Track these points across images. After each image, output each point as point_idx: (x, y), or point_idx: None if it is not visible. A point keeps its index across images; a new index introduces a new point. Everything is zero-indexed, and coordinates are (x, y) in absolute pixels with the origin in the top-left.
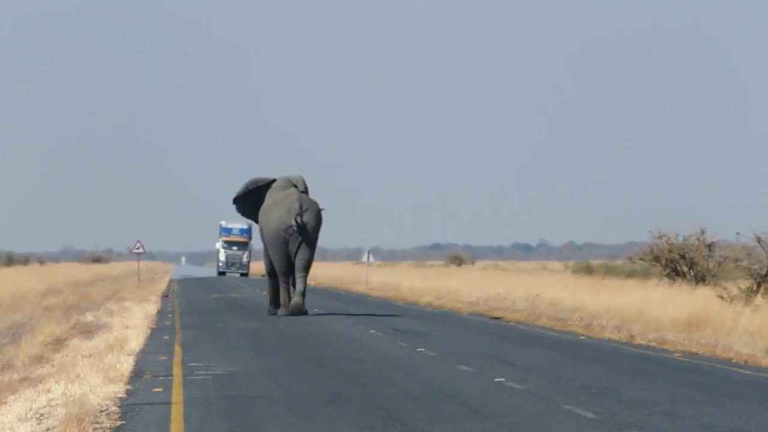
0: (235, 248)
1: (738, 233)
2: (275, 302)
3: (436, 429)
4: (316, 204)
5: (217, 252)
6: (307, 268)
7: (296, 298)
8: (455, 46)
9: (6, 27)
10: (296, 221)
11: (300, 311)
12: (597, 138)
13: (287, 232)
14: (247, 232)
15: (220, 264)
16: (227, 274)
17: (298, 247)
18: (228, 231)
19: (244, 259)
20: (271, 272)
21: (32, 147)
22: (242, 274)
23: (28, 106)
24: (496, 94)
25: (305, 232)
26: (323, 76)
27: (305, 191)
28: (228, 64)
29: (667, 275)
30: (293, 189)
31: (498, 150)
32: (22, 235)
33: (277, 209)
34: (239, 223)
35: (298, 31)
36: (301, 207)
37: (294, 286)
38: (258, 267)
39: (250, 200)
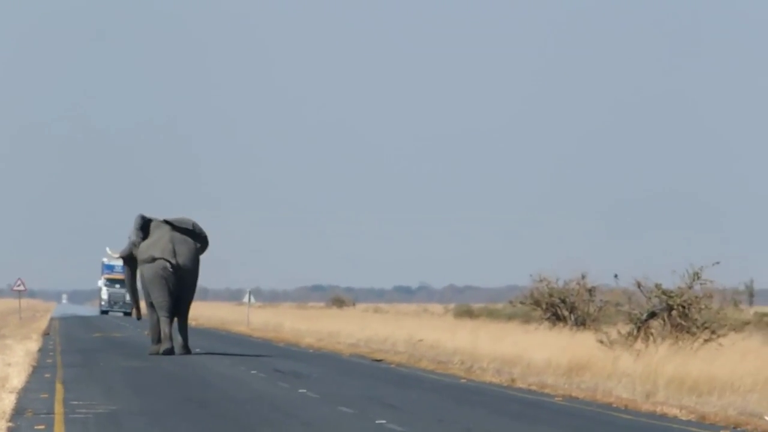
0: (117, 286)
1: (616, 275)
2: (157, 339)
3: None
4: (192, 242)
5: (100, 290)
6: (186, 311)
7: (181, 350)
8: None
9: None
10: (171, 262)
11: (171, 353)
12: (476, 180)
13: (165, 270)
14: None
15: (103, 303)
16: (110, 313)
17: (176, 289)
18: (110, 268)
19: (128, 298)
20: (150, 312)
21: None
22: (126, 313)
23: None
24: (373, 130)
25: (181, 275)
26: (201, 106)
27: (196, 234)
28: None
29: (548, 319)
30: (167, 227)
31: (378, 193)
32: None
33: (154, 249)
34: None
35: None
36: (174, 247)
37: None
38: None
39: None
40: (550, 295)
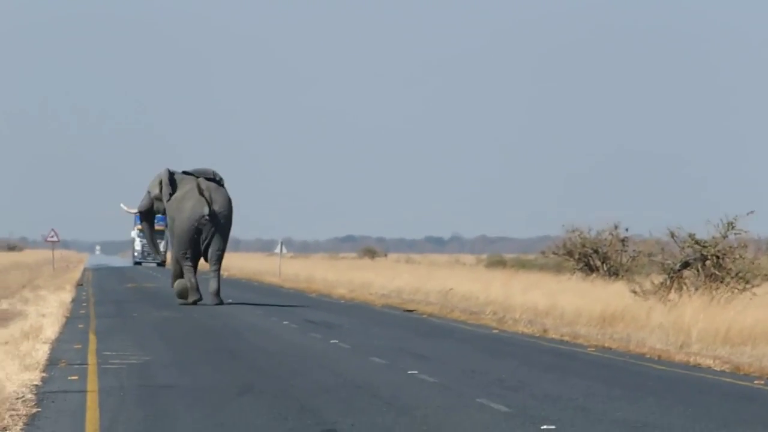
0: None
1: (651, 232)
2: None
3: (349, 421)
4: (226, 193)
5: (133, 241)
6: (220, 260)
7: (216, 301)
8: (343, 40)
9: None
10: (208, 211)
11: (219, 303)
12: (510, 132)
13: (200, 222)
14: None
15: (136, 254)
16: (143, 263)
17: (211, 238)
18: None
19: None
20: (179, 261)
21: None
22: (159, 264)
23: None
24: (407, 83)
25: (218, 222)
26: (235, 68)
27: (218, 183)
28: (140, 49)
29: (581, 270)
30: (202, 179)
31: (412, 143)
32: None
33: (188, 200)
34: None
35: (207, 23)
36: (210, 195)
37: (207, 282)
38: None
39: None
40: (583, 246)
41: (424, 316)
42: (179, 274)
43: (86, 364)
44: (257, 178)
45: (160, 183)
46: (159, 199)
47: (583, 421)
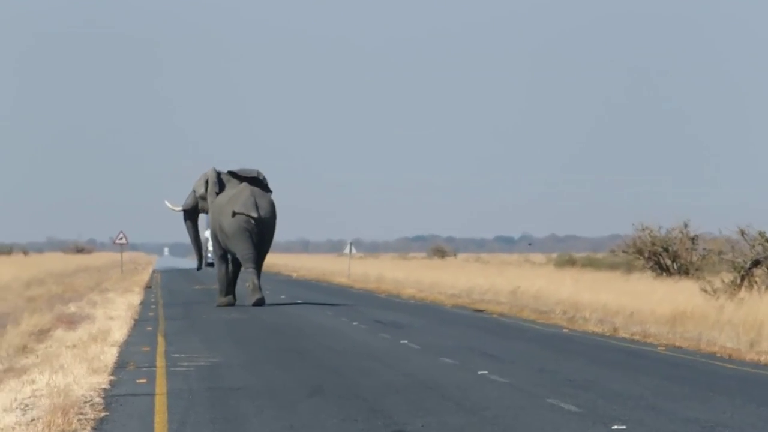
0: None
1: (720, 230)
2: (225, 291)
3: (419, 422)
4: (271, 198)
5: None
6: (261, 261)
7: (258, 296)
8: (434, 34)
9: None
10: (254, 216)
11: (262, 304)
12: (580, 131)
13: (248, 224)
14: None
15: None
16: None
17: (258, 240)
18: None
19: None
20: (223, 257)
21: (17, 138)
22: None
23: (14, 98)
24: (479, 85)
25: (262, 226)
26: (304, 69)
27: (263, 184)
28: (206, 57)
29: (651, 268)
30: (245, 184)
31: (482, 142)
32: (6, 226)
33: (233, 204)
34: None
35: (274, 23)
36: (255, 201)
37: (247, 279)
38: (272, 260)
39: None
40: (653, 244)
41: (494, 315)
42: (224, 276)
43: (154, 366)
44: (327, 180)
45: (206, 182)
46: (204, 198)
47: (653, 421)
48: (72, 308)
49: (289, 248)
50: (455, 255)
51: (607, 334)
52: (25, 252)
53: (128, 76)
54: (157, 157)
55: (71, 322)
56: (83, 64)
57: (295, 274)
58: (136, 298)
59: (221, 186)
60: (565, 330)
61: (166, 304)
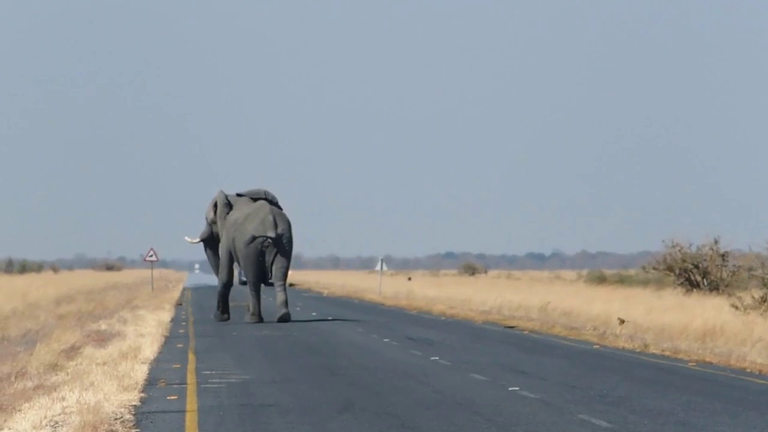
0: None
1: (750, 246)
2: (224, 308)
3: None
4: (286, 216)
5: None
6: (285, 276)
7: (283, 311)
8: (458, 51)
9: (14, 37)
10: (272, 236)
11: (287, 319)
12: (611, 147)
13: (263, 244)
14: None
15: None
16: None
17: (274, 258)
18: None
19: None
20: (228, 282)
21: (46, 155)
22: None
23: (41, 115)
24: (508, 102)
25: (281, 243)
26: (334, 88)
27: (275, 204)
28: (232, 77)
29: (681, 284)
30: (263, 202)
31: (512, 159)
32: (36, 243)
33: (250, 222)
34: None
35: (294, 40)
36: (274, 219)
37: (275, 296)
38: (301, 277)
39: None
40: (683, 261)
41: (525, 332)
42: (225, 295)
43: (185, 383)
44: (357, 196)
45: (215, 206)
46: (214, 222)
47: None
48: (102, 325)
49: (319, 265)
50: (486, 272)
51: (638, 350)
52: (55, 269)
53: (156, 93)
54: (187, 173)
55: (101, 339)
56: (112, 82)
57: (326, 291)
58: (166, 315)
59: (229, 207)
60: (595, 346)
61: (197, 321)
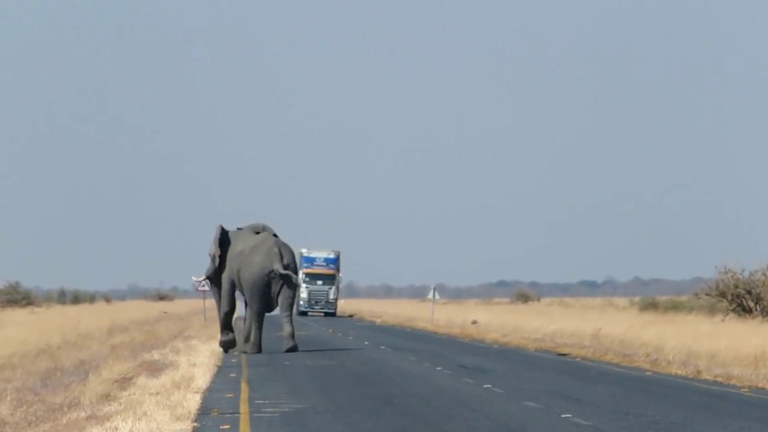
0: (320, 282)
1: None
2: (227, 331)
3: None
4: (290, 247)
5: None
6: (291, 307)
7: (291, 343)
8: (505, 83)
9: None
10: (278, 268)
11: (294, 350)
12: (663, 173)
13: (270, 275)
14: (335, 262)
15: (302, 302)
16: (309, 314)
17: (280, 288)
18: (310, 261)
19: (331, 296)
20: (229, 311)
21: (98, 185)
22: (327, 314)
23: (93, 146)
24: (559, 130)
25: (287, 275)
26: (385, 115)
27: (275, 235)
28: (276, 98)
29: (734, 310)
30: (266, 234)
31: (564, 187)
32: (88, 274)
33: (257, 254)
34: (324, 251)
35: (323, 58)
36: (280, 251)
37: (282, 327)
38: (354, 306)
39: (224, 245)
40: (736, 287)
41: (578, 359)
42: (228, 324)
43: (238, 413)
44: (409, 225)
45: (215, 240)
46: (216, 258)
47: None
48: (155, 355)
49: (372, 293)
50: (539, 299)
51: (690, 376)
52: (107, 299)
53: (205, 124)
54: (241, 204)
55: (154, 369)
56: (160, 114)
57: (378, 320)
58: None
59: (227, 241)
60: (648, 373)
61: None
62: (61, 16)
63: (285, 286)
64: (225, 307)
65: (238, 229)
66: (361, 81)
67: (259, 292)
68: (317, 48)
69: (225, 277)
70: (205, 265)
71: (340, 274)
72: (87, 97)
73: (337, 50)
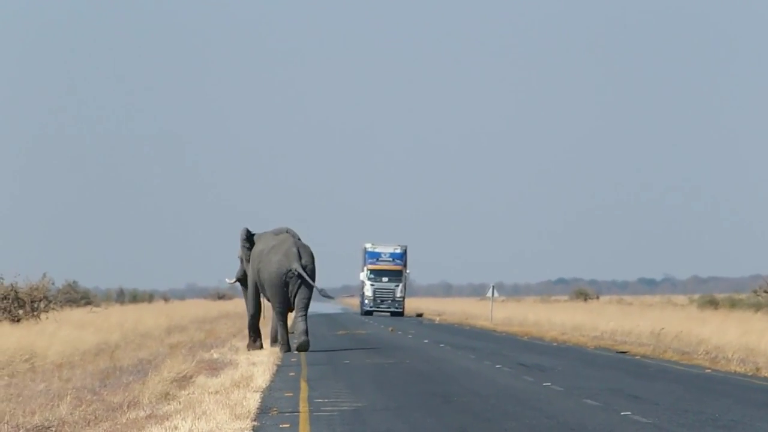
0: (385, 279)
1: None
2: (255, 336)
3: None
4: (309, 248)
5: (362, 285)
6: (306, 307)
7: (303, 338)
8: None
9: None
10: (295, 267)
11: (306, 349)
12: (719, 168)
13: (287, 275)
14: (401, 257)
15: (366, 301)
16: (375, 313)
17: (298, 288)
18: (375, 256)
19: (398, 294)
20: (255, 313)
21: (158, 185)
22: (394, 313)
23: (150, 147)
24: (622, 125)
25: (306, 272)
26: (437, 117)
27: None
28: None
29: None
30: (286, 235)
31: (624, 184)
32: (147, 273)
33: (275, 253)
34: (390, 246)
35: (362, 67)
36: (298, 251)
37: (295, 325)
38: (413, 304)
39: (251, 243)
40: None
41: (637, 357)
42: (256, 326)
43: (298, 411)
44: (467, 223)
45: (242, 242)
46: (244, 259)
47: None
48: (214, 354)
49: (431, 292)
50: (598, 297)
51: (750, 373)
52: (166, 299)
53: (264, 125)
54: (300, 202)
55: (213, 368)
56: (214, 113)
57: (437, 318)
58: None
59: (251, 241)
60: (707, 370)
61: (309, 349)
62: (81, 17)
63: (302, 286)
64: (251, 310)
65: (264, 233)
66: (417, 80)
67: (278, 291)
68: (368, 45)
69: (249, 279)
70: (237, 267)
71: (408, 271)
72: (149, 95)
73: (387, 49)
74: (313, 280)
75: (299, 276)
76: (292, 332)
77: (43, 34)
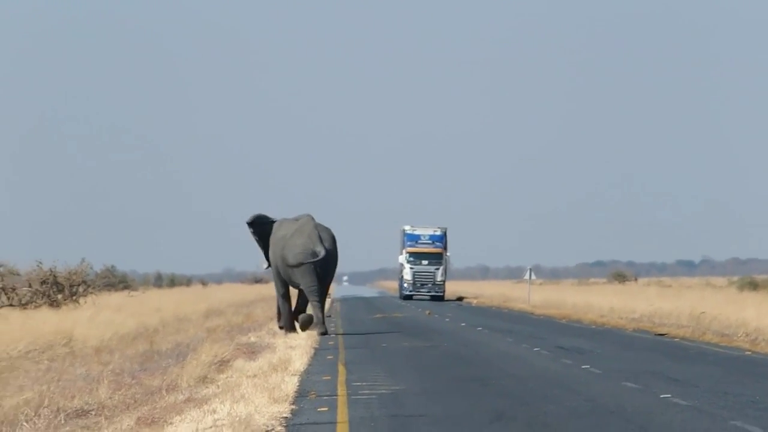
0: (425, 262)
1: None
2: (290, 327)
3: None
4: (331, 232)
5: (401, 268)
6: (326, 293)
7: (321, 327)
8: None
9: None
10: (318, 249)
11: (309, 324)
12: (759, 149)
13: (312, 256)
14: (441, 239)
15: (405, 285)
16: (414, 297)
17: (323, 272)
18: (414, 239)
19: (438, 277)
20: (284, 294)
21: (191, 167)
22: (434, 297)
23: (185, 134)
24: (655, 107)
25: (326, 258)
26: (472, 110)
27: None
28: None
29: None
30: (307, 218)
31: (660, 165)
32: (185, 258)
33: (298, 236)
34: (430, 228)
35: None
36: (320, 235)
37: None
38: (453, 287)
39: (257, 228)
40: None
41: (676, 339)
42: (288, 312)
43: (335, 395)
44: (505, 206)
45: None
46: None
47: None
48: (252, 338)
49: (468, 275)
50: (636, 279)
51: None
52: (204, 283)
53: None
54: (340, 186)
55: (251, 351)
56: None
57: (475, 301)
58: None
59: (264, 225)
60: (747, 352)
61: (346, 333)
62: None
63: (324, 272)
64: (280, 290)
65: (283, 219)
66: (467, 65)
67: (306, 273)
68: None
69: (272, 264)
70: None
71: (448, 253)
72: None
73: (416, 46)
74: (335, 264)
75: (322, 259)
76: (306, 313)
77: (48, 29)
